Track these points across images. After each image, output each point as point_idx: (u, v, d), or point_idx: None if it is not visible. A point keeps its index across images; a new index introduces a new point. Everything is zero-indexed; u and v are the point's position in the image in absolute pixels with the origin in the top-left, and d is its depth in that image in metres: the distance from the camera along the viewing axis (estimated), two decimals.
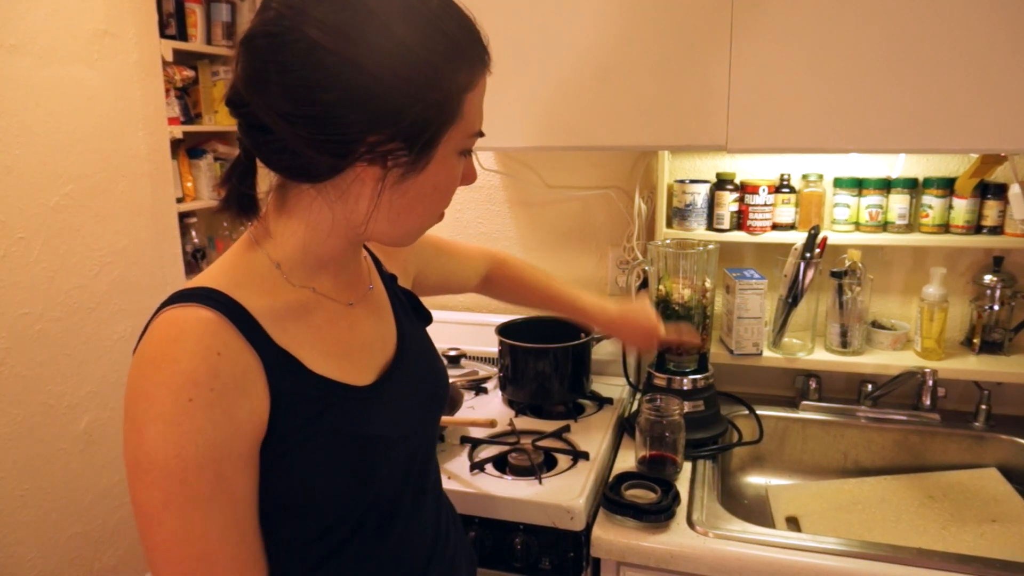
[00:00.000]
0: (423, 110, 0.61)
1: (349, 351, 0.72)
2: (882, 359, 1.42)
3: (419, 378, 0.79)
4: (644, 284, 1.46)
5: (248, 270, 0.67)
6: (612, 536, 1.05)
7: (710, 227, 1.49)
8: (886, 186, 1.40)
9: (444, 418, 1.29)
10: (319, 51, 0.57)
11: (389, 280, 0.85)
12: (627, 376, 1.49)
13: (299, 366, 0.65)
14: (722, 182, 1.47)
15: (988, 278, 1.39)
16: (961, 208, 1.35)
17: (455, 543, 0.85)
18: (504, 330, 1.45)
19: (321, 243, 0.68)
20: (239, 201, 0.68)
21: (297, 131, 0.60)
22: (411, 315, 0.85)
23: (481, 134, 0.70)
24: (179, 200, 1.83)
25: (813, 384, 1.49)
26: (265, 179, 0.70)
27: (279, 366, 0.63)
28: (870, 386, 1.44)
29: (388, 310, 0.81)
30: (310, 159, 0.61)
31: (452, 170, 0.68)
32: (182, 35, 1.86)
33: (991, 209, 1.35)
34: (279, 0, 0.59)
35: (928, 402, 1.40)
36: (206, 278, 0.65)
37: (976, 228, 1.37)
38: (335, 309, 0.72)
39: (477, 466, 1.20)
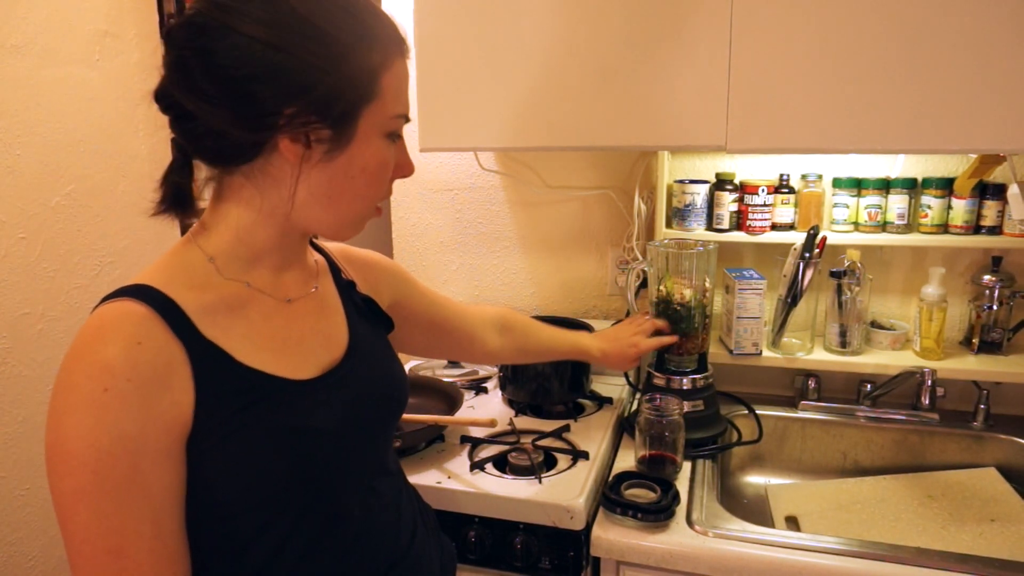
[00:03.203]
0: (334, 83, 0.64)
1: (284, 346, 0.72)
2: (881, 359, 1.42)
3: (370, 379, 0.79)
4: (644, 284, 1.46)
5: (182, 266, 0.69)
6: (612, 535, 1.05)
7: (709, 227, 1.50)
8: (885, 186, 1.41)
9: (444, 418, 1.29)
10: (233, 34, 0.62)
11: (345, 285, 0.85)
12: (627, 376, 1.49)
13: (227, 358, 0.65)
14: (721, 182, 1.48)
15: (987, 278, 1.39)
16: (960, 208, 1.36)
17: (422, 544, 0.84)
18: None
19: (253, 231, 0.70)
20: (176, 196, 0.70)
21: (217, 111, 0.63)
22: (369, 320, 0.85)
23: (407, 119, 0.72)
24: None
25: (812, 384, 1.49)
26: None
27: (206, 358, 0.64)
28: (869, 386, 1.44)
29: (338, 312, 0.81)
30: (233, 137, 0.64)
31: (379, 153, 0.69)
32: None
33: (990, 209, 1.35)
34: (200, 0, 0.65)
35: (927, 402, 1.40)
36: (144, 275, 0.67)
37: (975, 228, 1.37)
38: (271, 304, 0.73)
39: (477, 466, 1.20)
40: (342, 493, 0.74)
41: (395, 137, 0.72)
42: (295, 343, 0.73)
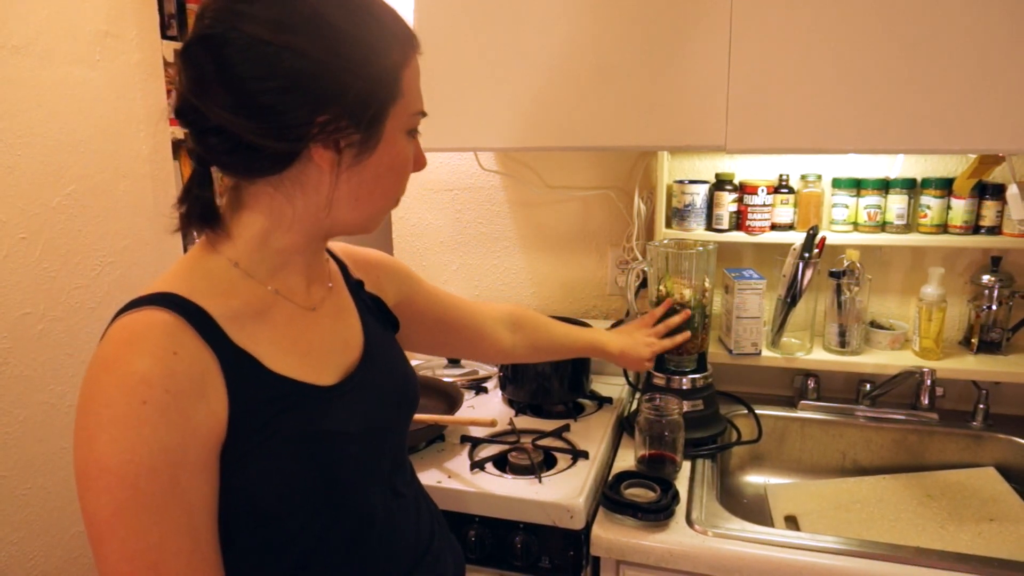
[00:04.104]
0: (364, 86, 0.63)
1: (308, 350, 0.71)
2: (880, 359, 1.42)
3: (386, 380, 0.79)
4: (644, 284, 1.46)
5: (205, 273, 0.67)
6: (612, 535, 1.06)
7: (709, 227, 1.50)
8: (884, 186, 1.41)
9: (444, 418, 1.29)
10: (257, 44, 0.60)
11: (355, 285, 0.84)
12: (627, 376, 1.49)
13: (258, 365, 0.65)
14: (721, 182, 1.48)
15: (986, 278, 1.40)
16: (959, 208, 1.36)
17: (439, 547, 0.84)
18: None
19: (282, 237, 0.69)
20: (200, 210, 0.68)
21: (248, 124, 0.61)
22: (378, 320, 0.85)
23: (423, 114, 0.72)
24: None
25: (812, 384, 1.49)
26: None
27: (238, 366, 0.63)
28: (868, 386, 1.44)
29: (352, 313, 0.80)
30: (265, 149, 0.63)
31: (403, 150, 0.70)
32: (183, 36, 1.86)
33: (989, 209, 1.35)
34: (212, 8, 0.62)
35: (926, 402, 1.41)
36: (163, 283, 0.65)
37: (974, 228, 1.37)
38: (293, 309, 0.72)
39: (477, 465, 1.20)
40: (368, 495, 0.74)
41: (414, 134, 0.72)
42: (317, 347, 0.72)
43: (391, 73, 0.66)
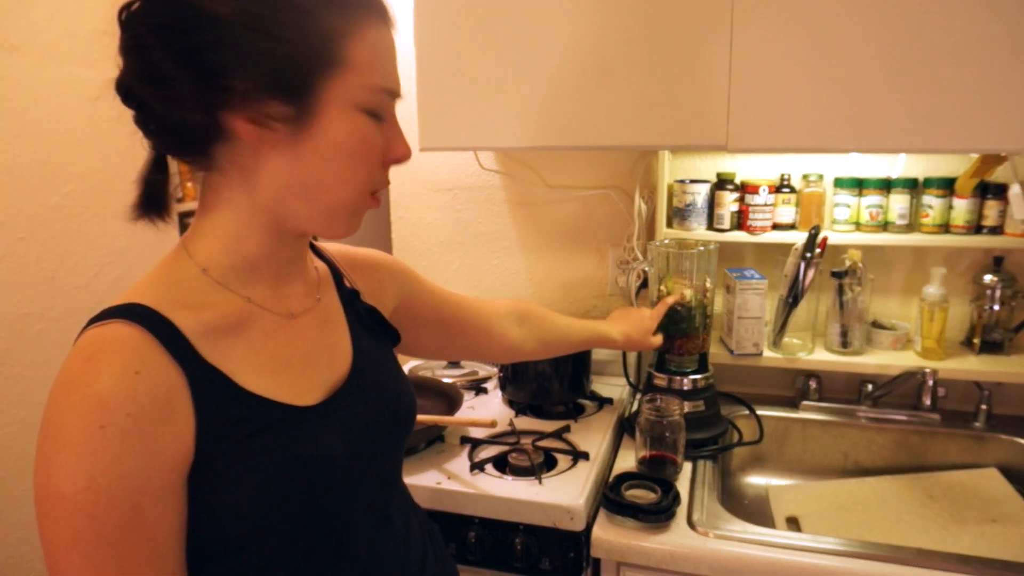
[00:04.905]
0: (287, 51, 0.58)
1: (287, 367, 0.67)
2: (882, 359, 1.42)
3: (377, 398, 0.74)
4: (644, 284, 1.46)
5: (176, 281, 0.63)
6: (612, 536, 1.05)
7: (710, 227, 1.49)
8: (886, 186, 1.40)
9: (444, 418, 1.29)
10: (172, 6, 0.57)
11: (348, 295, 0.79)
12: (627, 376, 1.48)
13: (229, 383, 0.61)
14: (722, 182, 1.47)
15: (988, 278, 1.39)
16: (961, 208, 1.35)
17: (432, 571, 0.80)
18: None
19: (242, 237, 0.65)
20: (150, 197, 0.65)
21: (157, 92, 0.58)
22: (373, 333, 0.79)
23: (394, 95, 0.65)
24: (179, 200, 1.83)
25: (813, 384, 1.49)
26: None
27: (207, 384, 0.59)
28: (870, 386, 1.44)
29: (341, 325, 0.75)
30: (179, 121, 0.59)
31: (358, 130, 0.63)
32: None
33: (991, 209, 1.35)
34: None
35: (928, 402, 1.40)
36: (134, 293, 0.61)
37: (976, 228, 1.37)
38: (272, 321, 0.67)
39: (477, 466, 1.20)
40: (352, 522, 0.69)
41: (377, 114, 0.64)
42: (298, 363, 0.68)
43: (322, 38, 0.59)
